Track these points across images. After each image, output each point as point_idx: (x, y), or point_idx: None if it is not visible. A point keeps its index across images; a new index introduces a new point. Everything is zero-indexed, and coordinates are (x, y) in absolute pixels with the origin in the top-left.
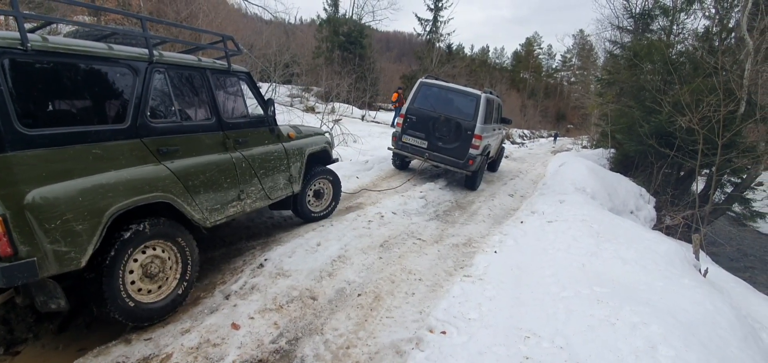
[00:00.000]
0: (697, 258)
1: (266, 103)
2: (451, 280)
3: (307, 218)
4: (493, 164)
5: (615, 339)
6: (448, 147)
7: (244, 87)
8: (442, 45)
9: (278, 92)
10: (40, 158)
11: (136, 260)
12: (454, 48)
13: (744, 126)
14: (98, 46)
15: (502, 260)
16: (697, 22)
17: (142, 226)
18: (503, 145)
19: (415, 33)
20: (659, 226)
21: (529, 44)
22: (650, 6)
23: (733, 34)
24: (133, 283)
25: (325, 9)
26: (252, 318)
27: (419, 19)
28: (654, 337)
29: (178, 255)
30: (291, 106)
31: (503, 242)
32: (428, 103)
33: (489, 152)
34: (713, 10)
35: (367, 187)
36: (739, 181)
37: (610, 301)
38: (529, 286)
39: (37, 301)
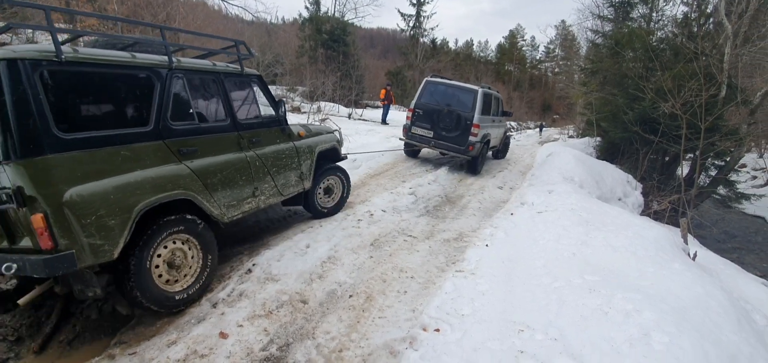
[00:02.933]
0: (686, 242)
1: (277, 104)
2: (444, 276)
3: (317, 214)
4: (498, 153)
5: (609, 328)
6: (451, 136)
7: (256, 89)
8: (426, 40)
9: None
10: (75, 160)
11: (160, 254)
12: (439, 42)
13: (725, 109)
14: (123, 55)
15: (493, 253)
16: (675, 8)
17: (166, 221)
18: (509, 134)
19: (398, 29)
20: (647, 211)
21: (513, 36)
22: None
23: (711, 20)
24: (160, 275)
25: (306, 7)
26: (241, 326)
27: (402, 14)
28: (647, 324)
29: (199, 248)
30: None
31: (494, 235)
32: (433, 98)
33: (488, 140)
34: None
35: (355, 185)
36: (723, 163)
37: (602, 290)
38: (521, 278)
39: (74, 290)
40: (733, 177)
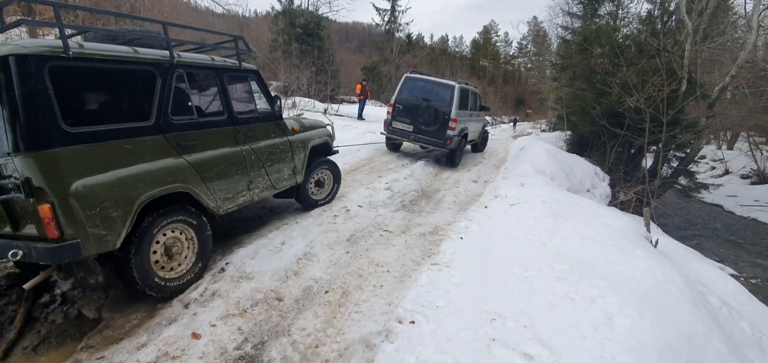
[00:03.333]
0: (649, 230)
1: (273, 99)
2: (419, 269)
3: (309, 206)
4: (477, 146)
5: (575, 313)
6: (430, 130)
7: (253, 84)
8: (401, 35)
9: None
10: (81, 153)
11: (158, 241)
12: (414, 37)
13: (686, 103)
14: (127, 51)
15: (468, 246)
16: (640, 6)
17: (164, 212)
18: (487, 128)
19: (374, 23)
20: (614, 202)
21: (487, 32)
22: None
23: (673, 17)
24: (157, 262)
25: (279, 0)
26: (214, 325)
27: (377, 9)
28: (611, 309)
29: (196, 237)
30: None
31: (469, 228)
32: (413, 94)
33: (466, 133)
34: None
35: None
36: (684, 155)
37: (570, 278)
38: (495, 269)
39: (76, 278)
40: (694, 168)
